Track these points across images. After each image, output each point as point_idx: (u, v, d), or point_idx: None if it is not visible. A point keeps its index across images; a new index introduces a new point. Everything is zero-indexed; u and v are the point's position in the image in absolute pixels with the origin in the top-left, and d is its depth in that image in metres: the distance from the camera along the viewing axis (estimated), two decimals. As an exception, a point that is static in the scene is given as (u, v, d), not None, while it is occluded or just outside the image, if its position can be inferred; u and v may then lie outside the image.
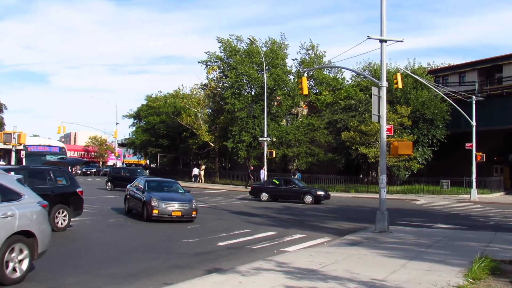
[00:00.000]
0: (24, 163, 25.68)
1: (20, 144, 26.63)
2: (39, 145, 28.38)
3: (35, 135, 75.16)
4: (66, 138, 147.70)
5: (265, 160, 44.31)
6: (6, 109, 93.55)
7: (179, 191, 21.21)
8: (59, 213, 15.96)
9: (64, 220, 16.12)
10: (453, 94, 42.07)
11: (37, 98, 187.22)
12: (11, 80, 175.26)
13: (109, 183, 39.52)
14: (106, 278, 9.85)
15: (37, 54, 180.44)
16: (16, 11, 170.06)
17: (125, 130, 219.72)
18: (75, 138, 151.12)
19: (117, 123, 70.51)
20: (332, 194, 41.85)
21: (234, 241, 15.34)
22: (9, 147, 27.09)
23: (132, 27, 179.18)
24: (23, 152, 26.60)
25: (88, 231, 16.74)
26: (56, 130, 62.21)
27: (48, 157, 28.35)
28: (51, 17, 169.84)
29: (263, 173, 45.13)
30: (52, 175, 16.51)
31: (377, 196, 21.69)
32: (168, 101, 66.90)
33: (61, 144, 30.51)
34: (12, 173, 15.45)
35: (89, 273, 10.36)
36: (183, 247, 14.02)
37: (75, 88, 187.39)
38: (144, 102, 74.35)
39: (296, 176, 39.69)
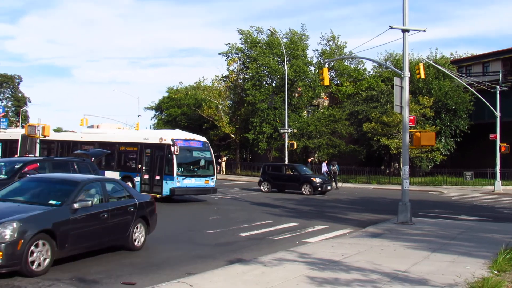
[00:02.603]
0: (175, 161, 22.90)
1: (45, 136, 26.98)
2: (185, 140, 24.89)
3: (58, 128, 75.94)
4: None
5: (286, 152, 44.20)
6: (30, 102, 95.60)
7: (51, 202, 9.96)
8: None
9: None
10: (476, 84, 41.41)
11: (59, 91, 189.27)
12: (35, 74, 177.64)
13: (264, 184, 32.20)
14: (130, 268, 10.00)
15: (60, 48, 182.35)
16: (39, 6, 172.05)
17: (147, 122, 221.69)
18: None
19: (139, 115, 70.78)
20: (353, 185, 41.86)
21: (255, 232, 15.39)
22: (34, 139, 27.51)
23: (152, 20, 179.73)
24: (175, 148, 23.12)
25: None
26: (79, 122, 63.03)
27: (195, 154, 25.23)
28: (72, 10, 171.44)
29: (325, 167, 44.21)
30: (76, 167, 16.72)
31: (399, 187, 21.55)
32: (189, 93, 66.86)
33: (204, 139, 26.42)
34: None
35: (113, 262, 10.52)
36: (205, 237, 14.12)
37: (97, 81, 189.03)
38: (166, 94, 74.44)
39: (335, 168, 37.58)
